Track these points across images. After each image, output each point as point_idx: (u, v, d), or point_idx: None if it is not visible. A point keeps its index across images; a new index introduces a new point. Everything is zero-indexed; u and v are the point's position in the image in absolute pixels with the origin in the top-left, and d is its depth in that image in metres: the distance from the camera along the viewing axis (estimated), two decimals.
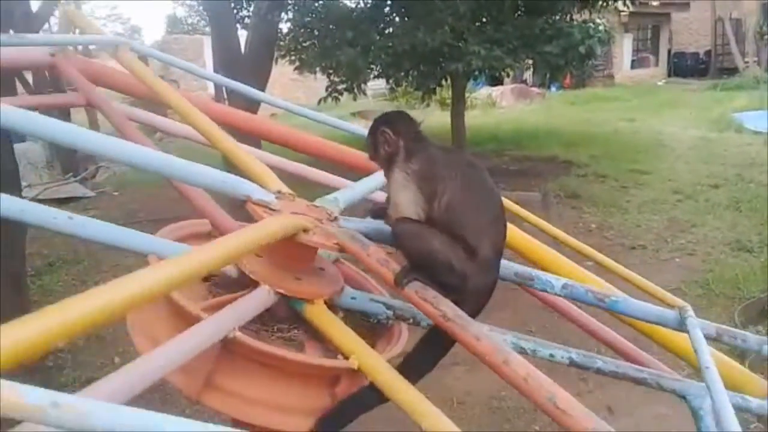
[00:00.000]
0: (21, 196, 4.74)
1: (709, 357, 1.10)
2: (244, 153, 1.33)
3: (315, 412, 1.06)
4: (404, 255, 1.05)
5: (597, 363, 1.22)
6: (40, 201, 9.45)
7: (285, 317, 1.16)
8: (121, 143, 1.12)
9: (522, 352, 1.15)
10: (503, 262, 1.13)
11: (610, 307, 1.25)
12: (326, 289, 1.12)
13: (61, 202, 9.46)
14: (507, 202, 1.71)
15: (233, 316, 1.02)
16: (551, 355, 1.21)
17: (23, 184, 9.15)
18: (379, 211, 1.17)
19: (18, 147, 9.72)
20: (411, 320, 1.17)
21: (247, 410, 1.03)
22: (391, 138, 1.10)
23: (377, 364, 0.98)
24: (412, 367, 1.05)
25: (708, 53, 27.15)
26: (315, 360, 1.06)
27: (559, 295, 1.27)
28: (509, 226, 1.26)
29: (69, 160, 11.01)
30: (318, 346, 1.11)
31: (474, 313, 1.04)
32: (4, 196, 1.07)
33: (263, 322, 1.15)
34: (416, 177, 1.05)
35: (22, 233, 4.15)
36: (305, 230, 1.09)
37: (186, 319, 1.04)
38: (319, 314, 1.08)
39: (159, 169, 1.14)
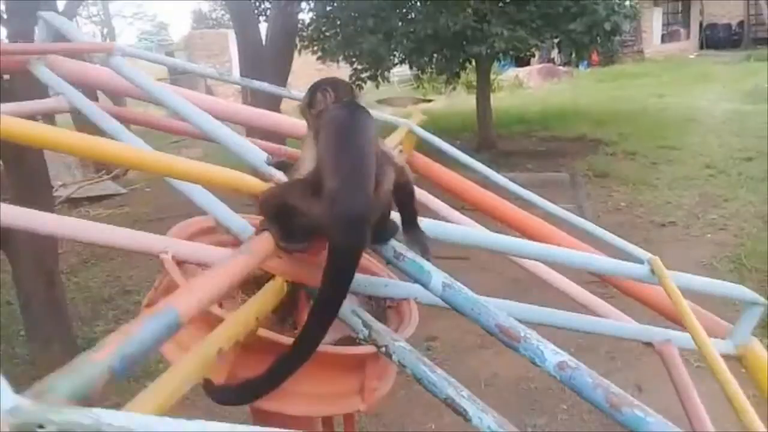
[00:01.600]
0: (52, 195, 4.86)
1: None
2: None
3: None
4: (260, 214, 1.05)
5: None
6: (74, 200, 9.66)
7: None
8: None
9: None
10: (487, 305, 1.00)
11: (632, 425, 0.83)
12: (291, 270, 1.11)
13: (94, 200, 9.66)
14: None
15: (190, 248, 1.11)
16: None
17: (57, 183, 9.37)
18: (281, 164, 1.19)
19: None
20: (383, 349, 1.04)
21: None
22: (330, 97, 1.12)
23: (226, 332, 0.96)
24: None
25: (741, 24, 26.48)
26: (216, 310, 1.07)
27: (552, 375, 0.90)
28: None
29: None
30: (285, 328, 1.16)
31: (346, 256, 0.96)
32: None
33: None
34: (316, 133, 1.07)
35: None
36: None
37: (206, 320, 1.08)
38: (269, 288, 1.08)
39: (192, 121, 1.29)
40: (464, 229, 1.32)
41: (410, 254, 1.05)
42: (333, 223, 0.94)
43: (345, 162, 0.99)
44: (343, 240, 0.95)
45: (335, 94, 1.12)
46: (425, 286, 1.03)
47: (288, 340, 1.07)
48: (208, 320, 1.05)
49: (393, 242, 1.07)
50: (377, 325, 1.07)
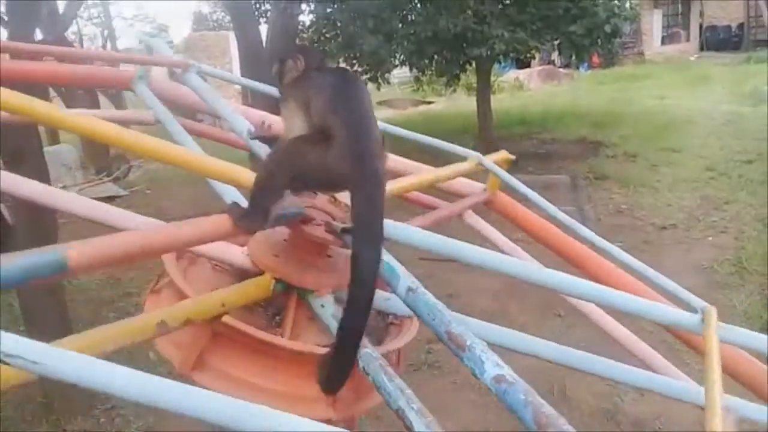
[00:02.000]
0: None
1: None
2: None
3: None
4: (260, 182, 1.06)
5: None
6: None
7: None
8: None
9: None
10: (442, 312, 1.00)
11: None
12: (279, 268, 1.13)
13: None
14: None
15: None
16: None
17: (58, 185, 9.38)
18: (267, 139, 1.20)
19: (51, 149, 9.93)
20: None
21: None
22: (300, 64, 1.12)
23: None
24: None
25: (741, 26, 26.48)
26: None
27: (488, 387, 0.89)
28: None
29: (102, 161, 11.23)
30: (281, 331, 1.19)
31: (369, 196, 0.97)
32: None
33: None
34: (302, 103, 1.06)
35: (53, 235, 4.26)
36: None
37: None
38: (253, 282, 1.11)
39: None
40: (518, 262, 1.30)
41: (386, 257, 1.05)
42: (350, 162, 0.96)
43: (353, 114, 1.00)
44: (362, 177, 0.96)
45: (306, 60, 1.11)
46: (393, 289, 1.04)
47: (257, 332, 1.10)
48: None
49: None
50: None
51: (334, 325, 1.08)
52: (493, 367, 0.88)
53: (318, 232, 1.12)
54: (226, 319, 1.08)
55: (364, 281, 0.96)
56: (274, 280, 1.11)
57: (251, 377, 1.11)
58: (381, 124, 1.67)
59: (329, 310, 1.10)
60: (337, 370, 1.01)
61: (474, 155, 1.69)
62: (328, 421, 1.17)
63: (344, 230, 1.11)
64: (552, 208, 1.64)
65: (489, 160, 1.69)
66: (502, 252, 1.61)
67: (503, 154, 1.79)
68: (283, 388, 1.13)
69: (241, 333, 1.10)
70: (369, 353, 1.02)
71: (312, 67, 1.11)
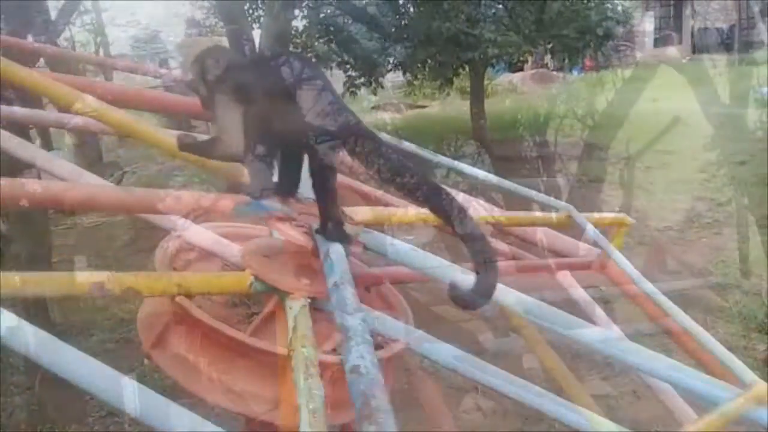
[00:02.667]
0: None
1: None
2: None
3: None
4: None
5: None
6: None
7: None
8: None
9: None
10: (346, 305, 1.08)
11: None
12: (259, 267, 1.17)
13: None
14: None
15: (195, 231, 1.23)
16: None
17: None
18: (194, 146, 1.22)
19: None
20: (292, 352, 1.11)
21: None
22: (223, 61, 1.13)
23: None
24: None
25: (732, 28, 26.56)
26: None
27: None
28: None
29: (95, 168, 11.17)
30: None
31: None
32: None
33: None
34: (235, 94, 1.08)
35: (47, 240, 4.24)
36: None
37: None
38: (229, 275, 1.18)
39: None
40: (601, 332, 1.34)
41: (335, 256, 1.11)
42: (331, 116, 1.06)
43: (313, 79, 1.08)
44: (353, 127, 1.09)
45: (226, 57, 1.15)
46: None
47: (202, 314, 1.16)
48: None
49: (331, 244, 1.14)
50: (302, 332, 1.10)
51: (290, 324, 1.11)
52: (355, 357, 0.92)
53: (289, 230, 1.14)
54: (181, 300, 1.10)
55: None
56: (253, 278, 1.13)
57: (203, 365, 1.13)
58: (451, 162, 1.63)
59: (294, 312, 1.12)
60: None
61: (564, 206, 1.57)
62: (271, 425, 1.18)
63: (317, 231, 1.13)
64: (652, 289, 1.58)
65: (582, 217, 1.56)
66: (587, 317, 1.59)
67: (619, 218, 1.68)
68: (231, 381, 1.14)
69: (193, 318, 1.14)
70: (303, 353, 1.06)
71: (234, 63, 1.13)
